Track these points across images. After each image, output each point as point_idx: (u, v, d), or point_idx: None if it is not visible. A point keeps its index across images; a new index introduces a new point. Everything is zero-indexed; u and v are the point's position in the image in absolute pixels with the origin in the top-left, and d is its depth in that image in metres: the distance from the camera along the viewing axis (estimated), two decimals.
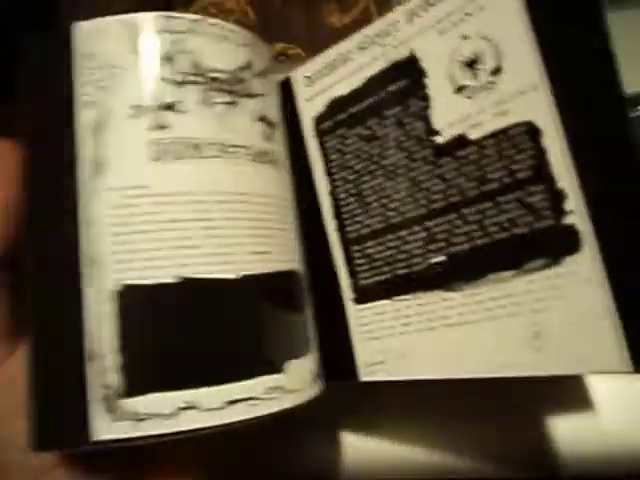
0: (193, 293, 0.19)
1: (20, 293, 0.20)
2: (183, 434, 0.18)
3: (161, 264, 0.18)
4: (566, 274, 0.18)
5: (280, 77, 0.25)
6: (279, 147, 0.23)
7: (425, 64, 0.21)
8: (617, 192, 0.18)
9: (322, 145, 0.24)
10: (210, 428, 0.18)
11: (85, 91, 0.19)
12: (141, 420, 0.18)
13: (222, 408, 0.18)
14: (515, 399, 0.28)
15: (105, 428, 0.18)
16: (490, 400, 0.28)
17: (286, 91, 0.25)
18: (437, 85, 0.21)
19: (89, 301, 0.18)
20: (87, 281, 0.18)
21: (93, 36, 0.20)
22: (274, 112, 0.23)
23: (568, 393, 0.28)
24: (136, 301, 0.18)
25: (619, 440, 0.26)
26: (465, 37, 0.20)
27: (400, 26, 0.22)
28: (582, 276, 0.18)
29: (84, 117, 0.19)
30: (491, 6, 0.20)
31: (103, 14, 0.20)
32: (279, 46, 0.42)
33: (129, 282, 0.18)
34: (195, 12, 0.44)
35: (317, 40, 0.41)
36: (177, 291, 0.18)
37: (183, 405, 0.18)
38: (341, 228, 0.24)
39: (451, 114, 0.21)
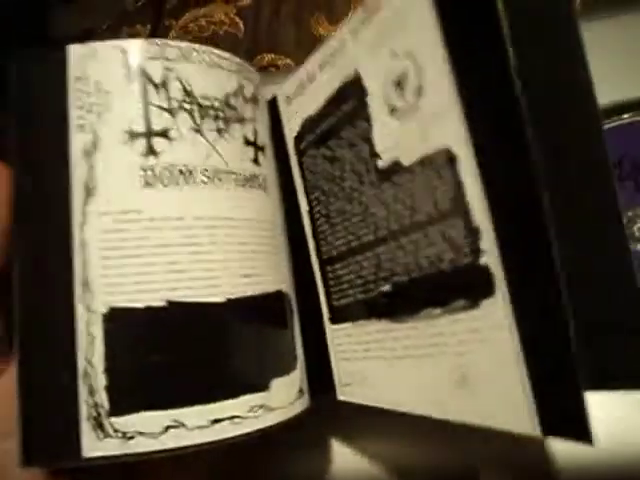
0: (180, 316, 0.19)
1: (12, 310, 0.20)
2: (170, 451, 0.19)
3: (150, 288, 0.19)
4: (483, 317, 0.17)
5: (268, 97, 0.26)
6: (268, 170, 0.24)
7: (367, 83, 0.21)
8: (527, 234, 0.16)
9: (300, 165, 0.25)
10: (196, 446, 0.19)
11: (79, 114, 0.20)
12: (130, 438, 0.18)
13: (207, 427, 0.19)
14: None
15: (94, 446, 0.18)
16: None
17: (273, 110, 0.26)
18: (377, 106, 0.20)
19: (80, 321, 0.19)
20: (79, 302, 0.19)
21: (87, 60, 0.20)
22: (264, 135, 0.24)
23: None
24: (124, 323, 0.19)
25: (612, 450, 0.27)
26: (394, 54, 0.19)
27: (347, 44, 0.22)
28: (497, 321, 0.16)
29: (77, 141, 0.19)
30: (412, 21, 0.18)
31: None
32: (269, 57, 0.42)
33: (118, 305, 0.19)
34: (185, 24, 0.45)
35: (306, 51, 0.41)
36: (165, 314, 0.19)
37: (170, 424, 0.19)
38: (317, 248, 0.24)
39: (387, 137, 0.20)
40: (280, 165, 0.25)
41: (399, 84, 0.19)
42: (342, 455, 0.30)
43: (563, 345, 0.15)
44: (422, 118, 0.18)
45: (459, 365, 0.18)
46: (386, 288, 0.21)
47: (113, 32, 0.46)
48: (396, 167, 0.20)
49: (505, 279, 0.16)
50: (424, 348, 0.19)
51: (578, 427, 0.14)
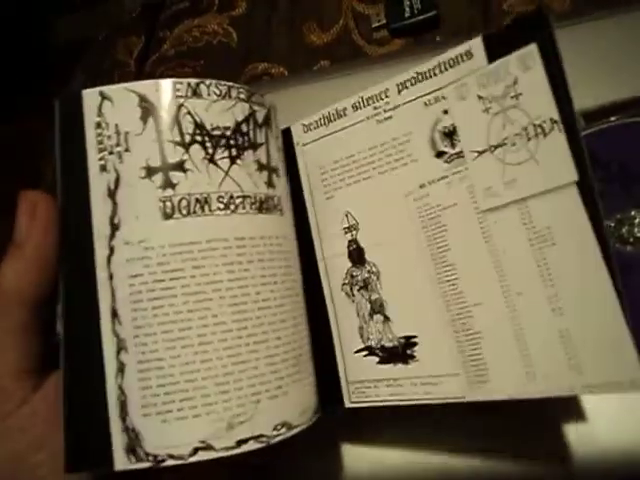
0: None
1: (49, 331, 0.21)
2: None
3: (172, 310, 0.20)
4: None
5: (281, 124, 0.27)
6: (282, 191, 0.25)
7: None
8: None
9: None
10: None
11: (100, 156, 0.21)
12: (160, 462, 0.19)
13: (234, 447, 0.20)
14: (505, 407, 0.28)
15: (127, 464, 0.19)
16: (484, 413, 0.29)
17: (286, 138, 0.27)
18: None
19: (110, 354, 0.20)
20: (107, 333, 0.20)
21: (104, 105, 0.21)
22: (277, 156, 0.25)
23: (561, 402, 0.29)
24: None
25: (612, 449, 0.27)
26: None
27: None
28: None
29: (101, 181, 0.21)
30: None
31: None
32: (262, 66, 0.43)
33: (144, 331, 0.20)
34: (179, 35, 0.45)
35: (299, 58, 0.42)
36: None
37: (198, 446, 0.19)
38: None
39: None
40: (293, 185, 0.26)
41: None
42: (352, 460, 0.30)
43: None
44: None
45: None
46: None
47: (109, 42, 0.46)
48: None
49: None
50: None
51: None
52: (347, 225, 0.26)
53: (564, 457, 0.28)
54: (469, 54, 0.23)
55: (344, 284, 0.26)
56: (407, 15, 0.38)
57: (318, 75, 0.39)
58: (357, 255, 0.25)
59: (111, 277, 0.20)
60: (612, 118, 0.32)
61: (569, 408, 0.28)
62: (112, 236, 0.20)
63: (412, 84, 0.24)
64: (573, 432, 0.28)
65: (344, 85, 0.25)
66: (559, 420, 0.28)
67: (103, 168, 0.21)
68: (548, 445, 0.28)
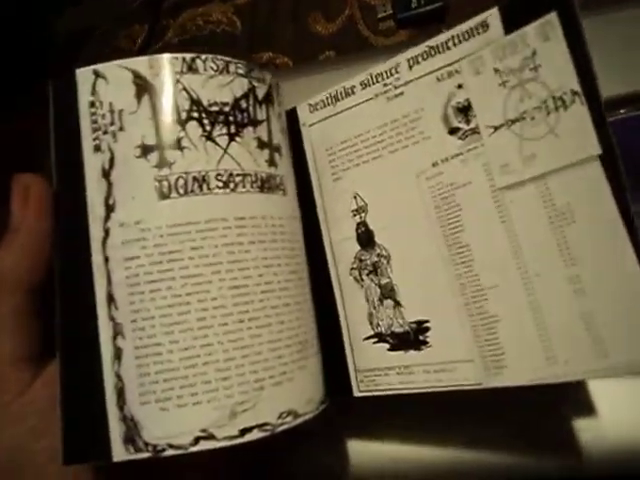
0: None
1: (48, 319, 0.20)
2: None
3: (170, 294, 0.19)
4: None
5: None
6: (285, 170, 0.24)
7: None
8: None
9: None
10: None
11: (94, 136, 0.20)
12: (160, 451, 0.18)
13: (237, 436, 0.19)
14: (514, 401, 0.28)
15: (125, 454, 0.19)
16: (490, 403, 0.28)
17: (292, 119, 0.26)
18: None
19: (106, 339, 0.19)
20: (103, 318, 0.19)
21: (98, 83, 0.20)
22: (279, 134, 0.24)
23: (569, 394, 0.28)
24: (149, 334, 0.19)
25: (620, 442, 0.27)
26: None
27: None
28: None
29: (95, 161, 0.20)
30: None
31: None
32: (266, 55, 0.42)
33: (142, 315, 0.19)
34: (183, 24, 0.44)
35: (304, 48, 0.41)
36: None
37: (200, 435, 0.19)
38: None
39: None
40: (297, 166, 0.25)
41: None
42: (358, 451, 0.30)
43: None
44: None
45: None
46: None
47: (111, 32, 0.46)
48: None
49: None
50: None
51: None
52: (355, 207, 0.25)
53: (574, 450, 0.27)
54: (485, 25, 0.22)
55: (352, 268, 0.25)
56: (414, 5, 0.37)
57: (323, 66, 0.39)
58: (366, 238, 0.24)
59: (107, 260, 0.19)
60: (621, 111, 0.31)
61: (579, 402, 0.28)
62: (107, 218, 0.19)
63: (424, 58, 0.23)
64: (583, 425, 0.27)
65: (349, 76, 0.25)
66: (568, 413, 0.28)
67: (97, 148, 0.20)
68: (558, 438, 0.28)
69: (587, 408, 0.28)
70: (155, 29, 0.45)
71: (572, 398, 0.28)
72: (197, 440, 0.18)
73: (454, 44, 0.23)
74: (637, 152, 0.29)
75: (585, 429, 0.27)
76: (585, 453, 0.27)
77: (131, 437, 0.18)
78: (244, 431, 0.19)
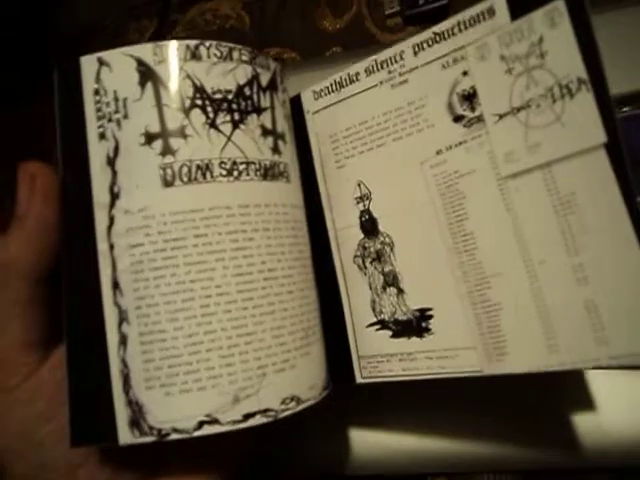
0: None
1: (55, 305, 0.21)
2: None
3: (175, 280, 0.19)
4: None
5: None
6: (289, 157, 0.24)
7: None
8: None
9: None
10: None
11: (99, 124, 0.20)
12: (164, 435, 0.19)
13: (240, 421, 0.19)
14: (515, 393, 0.28)
15: (131, 438, 0.19)
16: (490, 394, 0.29)
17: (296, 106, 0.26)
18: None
19: (112, 325, 0.19)
20: (109, 304, 0.19)
21: (102, 71, 0.20)
22: (283, 122, 0.24)
23: (568, 388, 0.28)
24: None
25: (619, 434, 0.27)
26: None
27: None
28: None
29: (100, 149, 0.20)
30: None
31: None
32: (274, 51, 0.42)
33: (146, 302, 0.19)
34: (192, 19, 0.44)
35: (311, 44, 0.41)
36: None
37: (204, 419, 0.19)
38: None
39: None
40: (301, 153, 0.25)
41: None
42: (357, 441, 0.30)
43: None
44: None
45: None
46: None
47: (120, 27, 0.45)
48: None
49: None
50: None
51: None
52: (359, 195, 0.25)
53: (573, 442, 0.27)
54: (491, 11, 0.22)
55: (356, 256, 0.25)
56: (421, 2, 0.37)
57: (330, 61, 0.39)
58: (370, 226, 0.24)
59: (112, 247, 0.19)
60: (625, 109, 0.31)
61: (578, 394, 0.28)
62: (112, 205, 0.20)
63: (429, 45, 0.23)
64: (582, 417, 0.28)
65: None
66: (568, 405, 0.28)
67: (102, 136, 0.20)
68: (557, 430, 0.28)
69: (586, 400, 0.28)
70: (164, 24, 0.44)
71: (571, 390, 0.28)
72: (201, 424, 0.19)
73: (460, 30, 0.22)
74: (638, 149, 0.29)
75: (584, 421, 0.28)
76: (584, 445, 0.27)
77: (136, 421, 0.19)
78: (247, 416, 0.19)
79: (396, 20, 0.40)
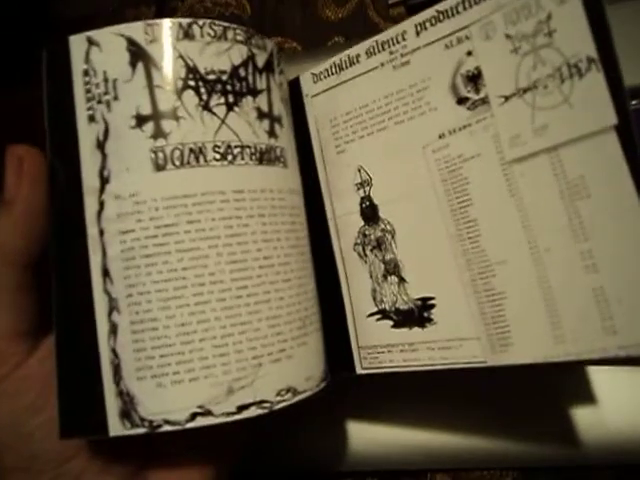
0: None
1: (44, 293, 0.20)
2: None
3: (166, 268, 0.19)
4: None
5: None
6: (286, 141, 0.23)
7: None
8: None
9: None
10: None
11: (88, 106, 0.19)
12: (156, 427, 0.18)
13: (234, 413, 0.19)
14: (515, 389, 0.28)
15: (121, 430, 0.18)
16: (491, 388, 0.28)
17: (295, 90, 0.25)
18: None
19: (102, 314, 0.19)
20: (98, 292, 0.19)
21: (92, 51, 0.20)
22: (280, 104, 0.23)
23: (569, 383, 0.28)
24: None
25: (619, 430, 0.27)
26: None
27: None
28: None
29: (90, 132, 0.19)
30: None
31: None
32: (275, 40, 0.42)
33: (137, 290, 0.18)
34: (191, 5, 0.44)
35: (313, 34, 0.41)
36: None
37: (196, 411, 0.18)
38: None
39: None
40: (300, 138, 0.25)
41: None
42: (355, 434, 0.30)
43: None
44: None
45: None
46: None
47: (118, 14, 0.45)
48: None
49: None
50: None
51: None
52: (359, 181, 0.24)
53: (573, 438, 0.27)
54: None
55: (356, 244, 0.24)
56: None
57: (332, 51, 0.38)
58: (370, 213, 0.24)
59: (101, 233, 0.19)
60: (633, 102, 0.30)
61: (579, 389, 0.28)
62: (102, 190, 0.19)
63: (432, 24, 0.22)
64: (582, 413, 0.28)
65: None
66: (568, 401, 0.28)
67: (92, 118, 0.19)
68: (557, 426, 0.28)
69: (586, 396, 0.27)
70: (163, 11, 0.44)
71: (571, 386, 0.28)
72: (194, 416, 0.18)
73: (464, 8, 0.21)
74: None
75: (584, 417, 0.27)
76: (584, 441, 0.27)
77: (127, 412, 0.18)
78: (241, 408, 0.19)
79: (399, 9, 0.39)
